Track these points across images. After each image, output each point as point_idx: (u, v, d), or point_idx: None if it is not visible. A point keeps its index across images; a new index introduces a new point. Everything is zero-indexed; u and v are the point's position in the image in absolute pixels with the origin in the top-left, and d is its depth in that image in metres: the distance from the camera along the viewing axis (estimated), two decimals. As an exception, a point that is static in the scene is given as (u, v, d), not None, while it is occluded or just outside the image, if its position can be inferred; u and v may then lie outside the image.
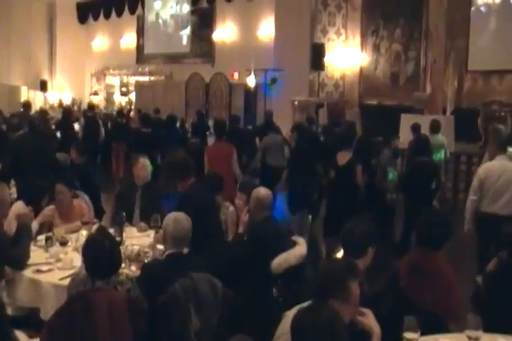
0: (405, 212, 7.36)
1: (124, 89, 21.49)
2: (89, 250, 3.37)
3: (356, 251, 3.36)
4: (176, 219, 3.82)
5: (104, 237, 3.54)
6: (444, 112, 11.91)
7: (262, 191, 4.76)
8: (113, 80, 22.09)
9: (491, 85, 12.24)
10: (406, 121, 10.34)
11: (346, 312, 2.66)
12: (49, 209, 5.15)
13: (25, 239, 4.40)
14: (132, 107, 19.55)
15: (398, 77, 13.82)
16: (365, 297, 3.01)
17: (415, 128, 8.85)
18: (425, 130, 8.85)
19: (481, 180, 5.70)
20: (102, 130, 11.87)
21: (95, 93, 22.43)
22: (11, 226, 4.79)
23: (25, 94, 20.81)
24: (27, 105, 12.70)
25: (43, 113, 11.95)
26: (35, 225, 4.94)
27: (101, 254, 3.30)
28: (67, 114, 13.31)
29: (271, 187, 8.20)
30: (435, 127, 8.67)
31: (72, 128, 12.59)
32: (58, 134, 12.06)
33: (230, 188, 6.32)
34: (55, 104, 21.35)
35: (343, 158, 7.25)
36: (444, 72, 12.54)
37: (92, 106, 14.27)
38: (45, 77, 22.23)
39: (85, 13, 22.40)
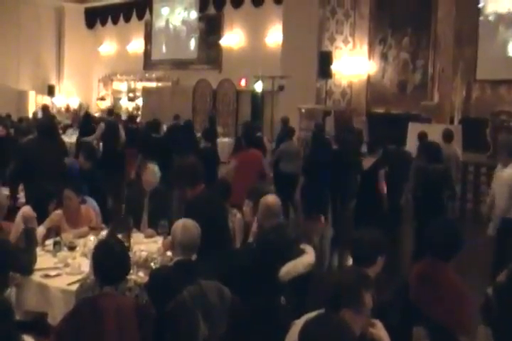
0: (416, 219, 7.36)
1: (131, 94, 21.57)
2: (99, 255, 3.37)
3: (365, 260, 3.34)
4: (185, 225, 3.81)
5: (115, 242, 3.54)
6: (452, 121, 11.89)
7: (270, 198, 4.74)
8: (120, 86, 22.18)
9: (500, 95, 12.19)
10: (414, 129, 10.32)
11: (358, 322, 2.64)
12: (56, 214, 5.15)
13: (31, 243, 4.40)
14: (139, 113, 19.61)
15: (406, 86, 13.80)
16: (374, 307, 2.99)
17: (422, 136, 8.86)
18: (433, 139, 8.84)
19: (510, 187, 5.73)
20: (123, 134, 11.86)
21: (102, 98, 22.52)
22: (18, 230, 4.79)
23: (33, 98, 20.93)
24: (46, 108, 12.86)
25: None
26: (42, 230, 4.94)
27: (111, 259, 3.30)
28: (89, 118, 13.39)
29: (286, 193, 8.41)
30: (449, 136, 8.66)
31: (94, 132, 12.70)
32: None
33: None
34: (63, 109, 21.44)
35: (368, 162, 7.40)
36: (452, 81, 12.52)
37: (112, 111, 14.36)
38: (53, 81, 22.35)
39: (93, 19, 22.54)
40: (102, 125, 12.09)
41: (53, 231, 5.13)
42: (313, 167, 7.98)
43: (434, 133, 9.29)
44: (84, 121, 13.37)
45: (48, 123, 7.53)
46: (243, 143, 8.20)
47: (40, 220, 5.03)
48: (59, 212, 5.20)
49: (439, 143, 7.72)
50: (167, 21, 20.03)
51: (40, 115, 14.30)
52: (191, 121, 12.27)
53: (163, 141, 10.27)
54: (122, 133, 11.76)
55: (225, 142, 13.81)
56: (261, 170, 7.79)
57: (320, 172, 7.85)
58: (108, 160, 9.87)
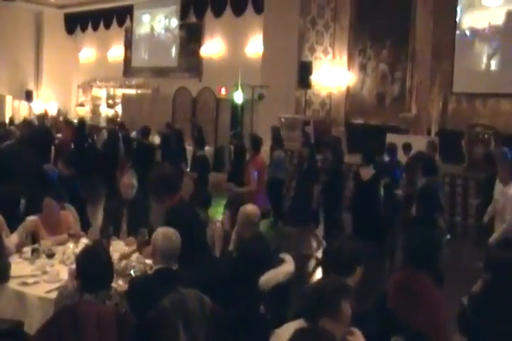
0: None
1: (110, 101, 21.46)
2: (85, 262, 3.36)
3: (344, 270, 3.37)
4: (165, 234, 3.81)
5: (101, 250, 3.54)
6: (429, 133, 12.04)
7: (250, 208, 4.78)
8: (100, 92, 22.05)
9: (475, 108, 12.39)
10: (391, 140, 10.42)
11: (337, 331, 2.68)
12: (30, 221, 5.04)
13: (1, 249, 4.32)
14: (119, 120, 19.52)
15: (384, 97, 13.96)
16: (353, 316, 3.02)
17: (406, 147, 9.03)
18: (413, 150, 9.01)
19: None
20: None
21: (81, 104, 22.37)
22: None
23: (10, 103, 20.72)
24: (43, 115, 12.88)
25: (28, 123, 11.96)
26: (15, 238, 4.85)
27: (97, 267, 3.30)
28: (83, 126, 13.25)
29: (278, 199, 9.15)
30: (434, 148, 8.89)
31: (87, 140, 12.63)
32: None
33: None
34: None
35: (367, 173, 7.48)
36: (430, 93, 12.71)
37: (113, 120, 14.23)
38: (31, 87, 22.14)
39: (73, 24, 22.40)
40: (104, 132, 12.07)
41: (29, 238, 5.08)
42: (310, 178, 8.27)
43: (413, 144, 9.44)
44: (79, 129, 13.05)
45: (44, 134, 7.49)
46: (251, 150, 8.33)
47: (9, 223, 4.95)
48: (33, 217, 5.10)
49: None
50: (148, 28, 20.01)
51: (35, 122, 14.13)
52: (181, 130, 12.48)
53: (154, 150, 10.41)
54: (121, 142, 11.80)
55: (206, 150, 13.81)
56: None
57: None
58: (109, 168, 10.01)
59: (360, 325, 2.97)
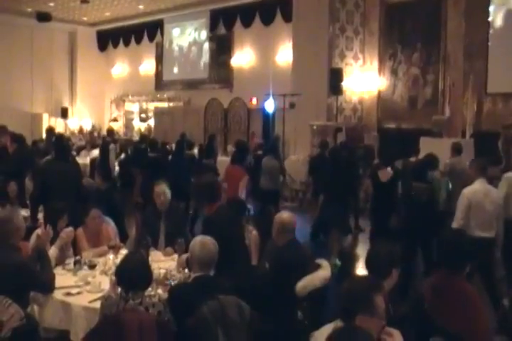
0: None
1: (143, 115, 21.78)
2: (122, 264, 3.57)
3: (381, 273, 3.39)
4: (202, 242, 3.87)
5: (135, 253, 3.67)
6: (464, 135, 11.90)
7: (285, 215, 4.82)
8: (132, 107, 22.40)
9: (511, 108, 12.23)
10: (425, 144, 10.34)
11: (373, 325, 2.71)
12: (66, 232, 5.11)
13: (46, 262, 4.44)
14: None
15: (416, 101, 13.86)
16: (390, 319, 3.03)
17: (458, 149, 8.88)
18: (446, 153, 8.87)
19: None
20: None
21: (115, 119, 22.74)
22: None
23: (47, 121, 21.20)
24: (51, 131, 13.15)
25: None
26: (54, 250, 4.96)
27: (133, 267, 3.51)
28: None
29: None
30: (458, 151, 8.75)
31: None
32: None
33: None
34: (76, 131, 21.70)
35: (385, 174, 7.52)
36: (463, 95, 12.56)
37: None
38: (66, 104, 22.64)
39: (105, 41, 22.87)
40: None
41: (71, 249, 5.20)
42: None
43: (446, 147, 9.32)
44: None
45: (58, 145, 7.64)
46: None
47: (52, 239, 5.07)
48: (69, 229, 5.17)
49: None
50: (178, 42, 20.28)
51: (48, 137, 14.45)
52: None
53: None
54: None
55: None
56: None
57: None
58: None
59: (398, 328, 2.98)
